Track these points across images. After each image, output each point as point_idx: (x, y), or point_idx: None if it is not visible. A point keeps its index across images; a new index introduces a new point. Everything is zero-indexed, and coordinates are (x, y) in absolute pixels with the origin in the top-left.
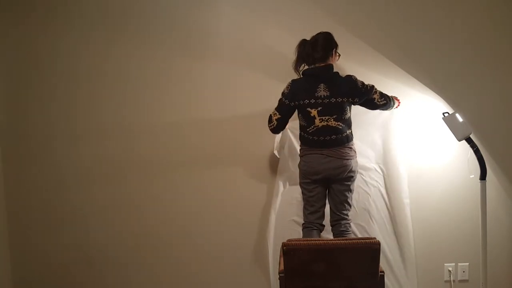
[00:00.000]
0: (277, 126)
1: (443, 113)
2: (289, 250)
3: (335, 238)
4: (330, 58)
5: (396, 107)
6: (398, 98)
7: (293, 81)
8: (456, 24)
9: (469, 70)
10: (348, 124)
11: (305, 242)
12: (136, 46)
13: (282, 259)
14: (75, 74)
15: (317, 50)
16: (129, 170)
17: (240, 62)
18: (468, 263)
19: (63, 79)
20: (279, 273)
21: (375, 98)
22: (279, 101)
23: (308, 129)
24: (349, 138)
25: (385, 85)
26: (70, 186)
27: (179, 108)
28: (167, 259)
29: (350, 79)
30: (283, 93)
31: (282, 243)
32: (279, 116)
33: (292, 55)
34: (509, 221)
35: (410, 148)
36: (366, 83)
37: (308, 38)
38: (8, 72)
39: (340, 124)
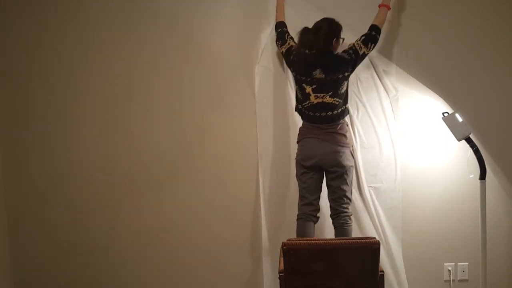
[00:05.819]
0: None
1: (443, 113)
2: (289, 250)
3: (335, 238)
4: (331, 46)
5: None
6: (384, 3)
7: (300, 53)
8: (456, 24)
9: (469, 70)
10: (345, 98)
11: (305, 242)
12: (135, 48)
13: (282, 258)
14: (76, 73)
15: (318, 40)
16: (128, 169)
17: (238, 62)
18: (467, 263)
19: (64, 78)
20: (279, 272)
21: (364, 52)
22: (288, 47)
23: (303, 104)
24: (344, 113)
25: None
26: (70, 186)
27: (177, 108)
28: (165, 259)
29: (338, 56)
30: (292, 51)
31: (282, 243)
32: (285, 48)
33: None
34: (508, 221)
35: (409, 148)
36: (347, 47)
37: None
38: (8, 71)
39: (337, 99)
